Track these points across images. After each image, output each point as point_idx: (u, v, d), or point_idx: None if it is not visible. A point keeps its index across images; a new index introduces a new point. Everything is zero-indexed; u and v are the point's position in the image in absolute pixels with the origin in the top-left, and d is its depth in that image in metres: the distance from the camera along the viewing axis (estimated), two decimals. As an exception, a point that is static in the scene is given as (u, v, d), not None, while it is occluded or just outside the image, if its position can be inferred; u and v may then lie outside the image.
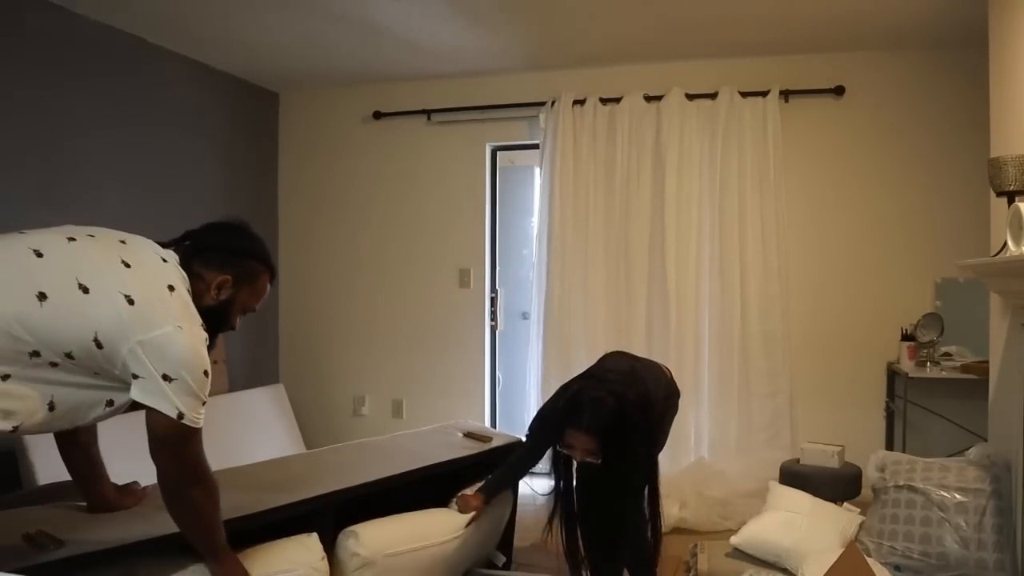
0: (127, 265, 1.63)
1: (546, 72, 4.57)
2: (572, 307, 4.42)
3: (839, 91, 4.22)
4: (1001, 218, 2.58)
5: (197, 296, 1.75)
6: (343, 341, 5.02)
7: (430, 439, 2.81)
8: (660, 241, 4.30)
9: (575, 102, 4.46)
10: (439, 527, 2.42)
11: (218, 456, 3.11)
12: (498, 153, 4.91)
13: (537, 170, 4.74)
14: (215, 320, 1.78)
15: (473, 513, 2.53)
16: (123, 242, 1.70)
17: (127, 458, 3.36)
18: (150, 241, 1.78)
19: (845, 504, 3.31)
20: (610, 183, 4.41)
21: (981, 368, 3.37)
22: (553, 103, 4.49)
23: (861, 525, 2.96)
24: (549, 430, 2.44)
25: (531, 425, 2.59)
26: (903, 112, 4.16)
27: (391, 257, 4.93)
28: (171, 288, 1.66)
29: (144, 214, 4.04)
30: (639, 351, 4.26)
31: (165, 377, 1.59)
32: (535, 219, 4.77)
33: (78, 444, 1.89)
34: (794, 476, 3.47)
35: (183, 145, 4.32)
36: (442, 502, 2.72)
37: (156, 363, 1.58)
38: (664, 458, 4.15)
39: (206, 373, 1.65)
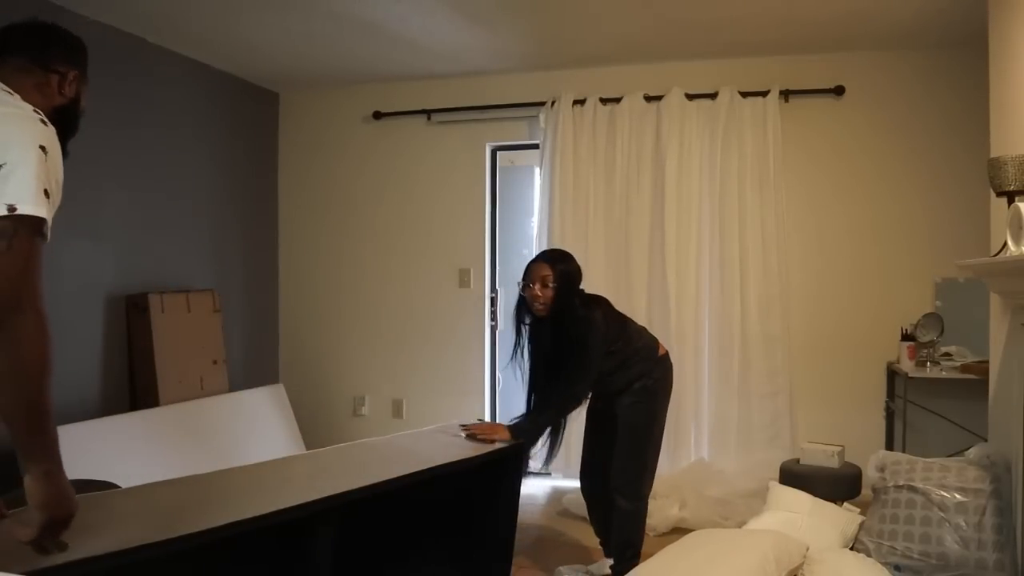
0: None
1: (546, 72, 4.57)
2: (572, 307, 4.42)
3: (839, 91, 4.22)
4: (1001, 218, 2.58)
5: (49, 97, 1.59)
6: (343, 341, 5.02)
7: (434, 439, 2.81)
8: (660, 241, 4.30)
9: (575, 102, 4.46)
10: None
11: (218, 456, 3.13)
12: (498, 153, 4.91)
13: (537, 170, 4.74)
14: (70, 120, 1.65)
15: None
16: None
17: (130, 459, 3.37)
18: None
19: (845, 504, 3.31)
20: (610, 183, 4.41)
21: (981, 368, 3.37)
22: (553, 103, 4.50)
23: (861, 525, 2.96)
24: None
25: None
26: (903, 112, 4.17)
27: (391, 257, 4.93)
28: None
29: (144, 214, 4.04)
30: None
31: None
32: (535, 219, 4.77)
33: None
34: (794, 476, 3.48)
35: (183, 145, 4.32)
36: (446, 503, 2.72)
37: None
38: (664, 458, 4.19)
39: (43, 150, 1.34)
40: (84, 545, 1.62)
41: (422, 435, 2.95)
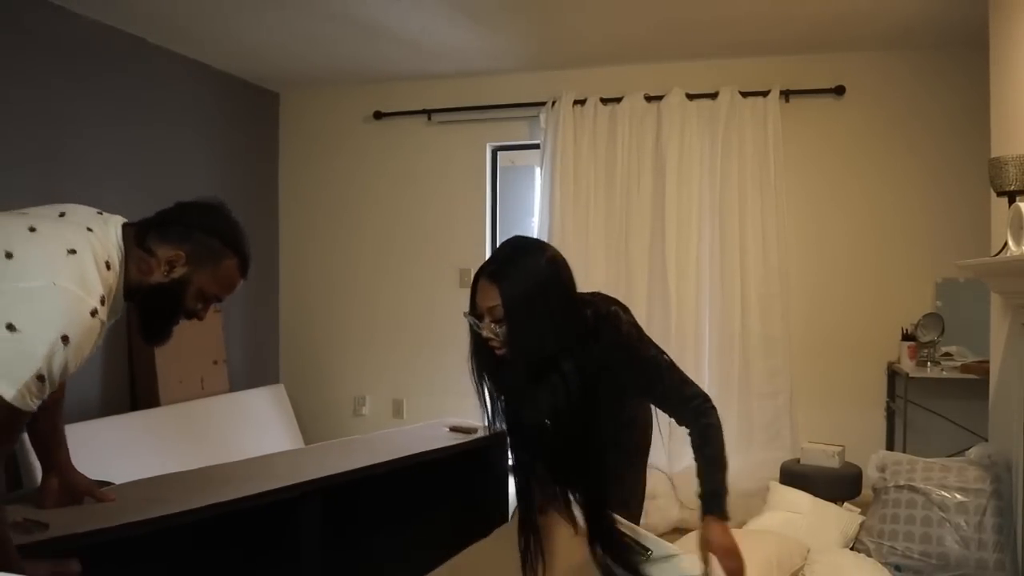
0: (32, 230, 1.49)
1: (546, 72, 4.57)
2: (572, 307, 4.41)
3: (839, 91, 4.21)
4: (1001, 218, 2.58)
5: (146, 273, 1.61)
6: (343, 341, 5.02)
7: (416, 434, 2.87)
8: (660, 241, 4.30)
9: (575, 102, 4.46)
10: None
11: (218, 456, 3.13)
12: (498, 153, 4.91)
13: (537, 170, 4.74)
14: (166, 302, 1.63)
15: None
16: (62, 214, 1.59)
17: (134, 457, 3.37)
18: (93, 212, 1.68)
19: (845, 504, 3.31)
20: (610, 183, 4.41)
21: (981, 368, 3.37)
22: (553, 103, 4.49)
23: (861, 525, 2.96)
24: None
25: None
26: (903, 112, 4.16)
27: (391, 257, 4.93)
28: (72, 251, 1.47)
29: (144, 214, 4.04)
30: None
31: (9, 327, 1.34)
32: (535, 219, 4.77)
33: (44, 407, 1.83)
34: (794, 476, 3.47)
35: (183, 145, 4.32)
36: (430, 493, 2.74)
37: (6, 309, 1.35)
38: (664, 458, 4.21)
39: (65, 340, 1.39)
40: (70, 523, 1.65)
41: (406, 430, 3.02)
